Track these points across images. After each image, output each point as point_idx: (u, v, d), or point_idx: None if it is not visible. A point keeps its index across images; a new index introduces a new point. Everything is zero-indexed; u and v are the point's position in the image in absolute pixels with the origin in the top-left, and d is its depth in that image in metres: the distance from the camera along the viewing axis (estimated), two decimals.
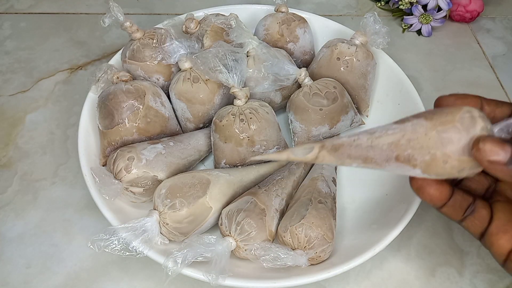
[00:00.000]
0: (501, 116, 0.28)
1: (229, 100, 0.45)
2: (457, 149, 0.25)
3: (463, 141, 0.25)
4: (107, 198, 0.37)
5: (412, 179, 0.28)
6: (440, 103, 0.29)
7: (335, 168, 0.44)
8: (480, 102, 0.29)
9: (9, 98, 0.53)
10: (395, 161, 0.26)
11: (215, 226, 0.39)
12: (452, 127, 0.25)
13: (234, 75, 0.41)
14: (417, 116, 0.26)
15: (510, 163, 0.23)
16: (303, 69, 0.45)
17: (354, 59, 0.46)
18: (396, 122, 0.26)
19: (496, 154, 0.23)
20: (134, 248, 0.34)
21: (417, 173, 0.26)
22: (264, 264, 0.34)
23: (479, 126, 0.25)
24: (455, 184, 0.31)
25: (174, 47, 0.46)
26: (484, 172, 0.28)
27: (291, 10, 0.51)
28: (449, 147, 0.25)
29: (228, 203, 0.38)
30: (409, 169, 0.26)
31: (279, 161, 0.44)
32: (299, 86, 0.46)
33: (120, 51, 0.48)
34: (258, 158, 0.29)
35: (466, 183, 0.31)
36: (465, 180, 0.31)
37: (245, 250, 0.35)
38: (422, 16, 0.61)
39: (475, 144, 0.24)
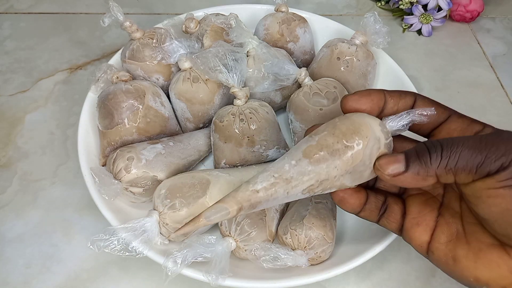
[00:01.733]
0: (403, 107, 0.29)
1: (229, 100, 0.45)
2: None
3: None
4: (106, 198, 0.37)
5: (332, 194, 0.29)
6: (345, 103, 0.29)
7: None
8: (384, 96, 0.29)
9: (9, 98, 0.53)
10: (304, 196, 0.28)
11: (215, 226, 0.39)
12: (361, 165, 0.27)
13: (234, 75, 0.41)
14: (333, 152, 0.27)
15: (408, 169, 0.25)
16: (303, 69, 0.45)
17: (354, 59, 0.46)
18: (311, 160, 0.27)
19: (392, 168, 0.26)
20: (134, 248, 0.34)
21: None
22: (264, 265, 0.34)
23: (382, 145, 0.27)
24: (370, 187, 0.32)
25: (174, 47, 0.46)
26: None
27: (291, 10, 0.51)
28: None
29: None
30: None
31: None
32: (299, 86, 0.46)
33: (120, 51, 0.48)
34: (173, 235, 0.33)
35: (379, 184, 0.32)
36: (379, 182, 0.32)
37: (245, 250, 0.35)
38: (422, 16, 0.61)
39: (375, 167, 0.27)
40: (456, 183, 0.25)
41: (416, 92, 0.33)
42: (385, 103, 0.29)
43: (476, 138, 0.25)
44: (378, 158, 0.26)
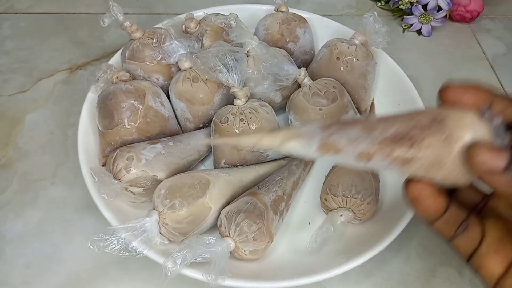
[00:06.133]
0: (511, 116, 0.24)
1: (229, 100, 0.45)
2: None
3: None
4: (106, 198, 0.37)
5: (408, 187, 0.24)
6: (445, 96, 0.24)
7: None
8: (492, 98, 0.24)
9: (9, 98, 0.53)
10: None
11: (215, 226, 0.39)
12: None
13: (234, 74, 0.41)
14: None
15: (507, 172, 0.21)
16: (303, 69, 0.45)
17: (354, 59, 0.46)
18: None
19: (490, 163, 0.21)
20: (134, 248, 0.34)
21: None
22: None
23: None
24: (450, 193, 0.27)
25: (173, 46, 0.46)
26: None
27: (291, 10, 0.51)
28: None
29: (227, 203, 0.38)
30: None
31: (279, 161, 0.44)
32: (299, 86, 0.46)
33: (120, 51, 0.48)
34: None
35: (459, 194, 0.28)
36: (458, 190, 0.28)
37: (244, 251, 0.35)
38: (422, 16, 0.61)
39: (467, 153, 0.21)
40: None
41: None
42: (490, 105, 0.24)
43: None
44: (474, 146, 0.21)
